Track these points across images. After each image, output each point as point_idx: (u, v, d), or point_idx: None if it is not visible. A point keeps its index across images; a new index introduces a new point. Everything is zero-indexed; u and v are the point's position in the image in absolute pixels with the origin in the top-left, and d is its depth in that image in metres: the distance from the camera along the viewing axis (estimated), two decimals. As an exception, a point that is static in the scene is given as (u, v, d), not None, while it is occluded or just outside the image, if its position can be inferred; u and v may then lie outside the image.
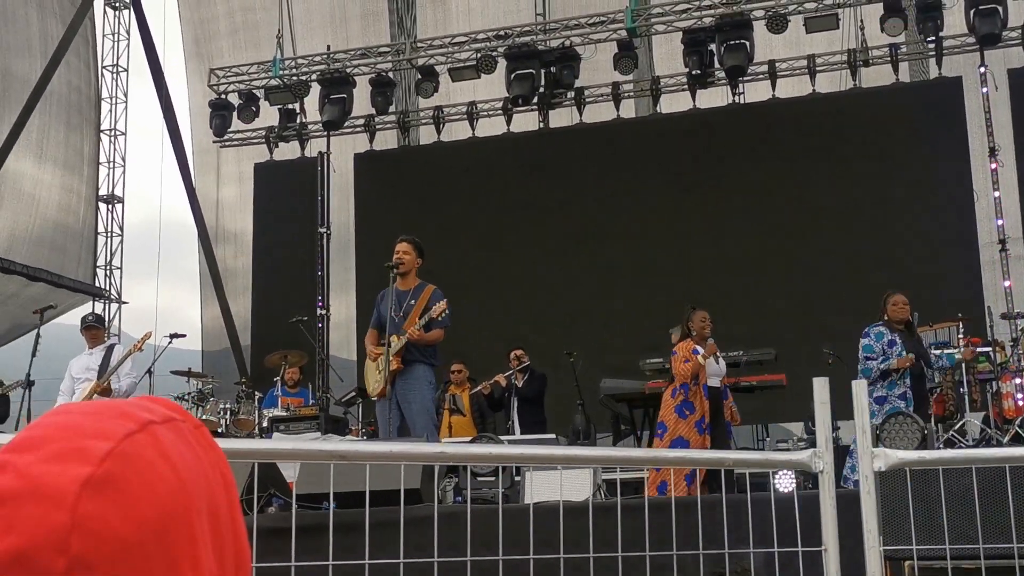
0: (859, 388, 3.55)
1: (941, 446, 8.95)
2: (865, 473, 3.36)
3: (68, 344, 10.16)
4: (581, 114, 15.57)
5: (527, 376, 11.72)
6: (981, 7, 13.23)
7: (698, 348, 8.90)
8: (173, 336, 10.97)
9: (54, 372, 9.99)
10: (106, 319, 17.69)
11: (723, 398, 9.11)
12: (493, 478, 7.27)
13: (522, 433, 11.07)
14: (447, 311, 8.21)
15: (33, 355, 10.22)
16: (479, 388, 11.62)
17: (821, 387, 3.39)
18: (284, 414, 11.19)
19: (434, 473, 6.48)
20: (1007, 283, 13.23)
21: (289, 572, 2.96)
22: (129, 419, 0.82)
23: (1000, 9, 13.21)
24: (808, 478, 6.36)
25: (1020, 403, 10.04)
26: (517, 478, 7.54)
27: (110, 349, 9.86)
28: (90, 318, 10.29)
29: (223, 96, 16.07)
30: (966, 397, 9.74)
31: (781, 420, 14.61)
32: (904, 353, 8.39)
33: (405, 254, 8.42)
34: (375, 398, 8.50)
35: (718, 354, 9.06)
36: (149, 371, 11.03)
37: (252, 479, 5.23)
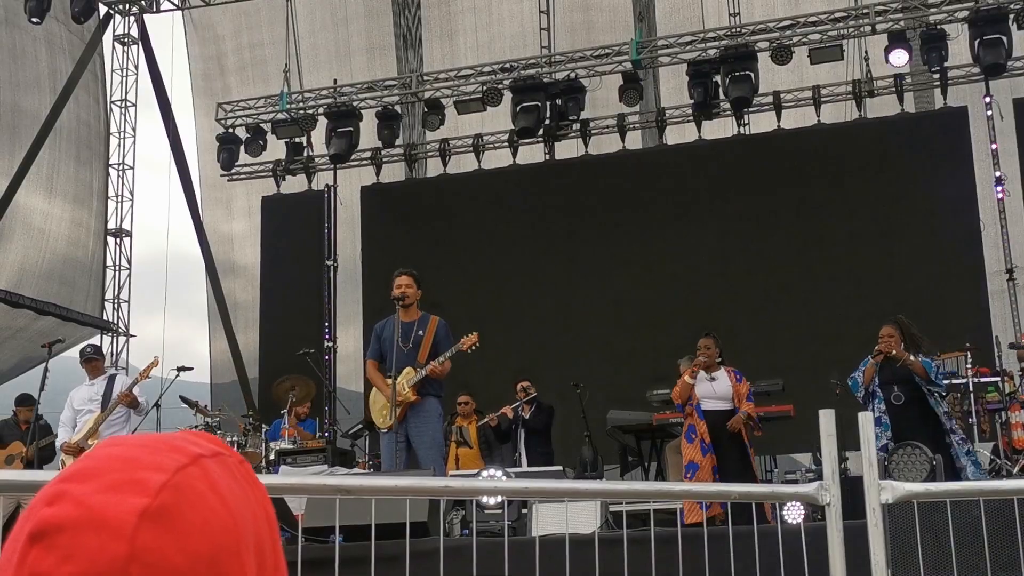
0: (865, 420, 3.55)
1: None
2: (872, 506, 3.36)
3: (76, 378, 10.15)
4: (587, 146, 15.62)
5: (534, 408, 11.70)
6: (986, 37, 13.26)
7: (702, 373, 8.96)
8: (181, 369, 10.97)
9: (62, 406, 9.98)
10: (114, 353, 17.73)
11: None
12: (500, 511, 7.25)
13: (529, 465, 11.04)
14: (477, 344, 8.21)
15: (41, 389, 10.22)
16: (486, 420, 11.60)
17: (827, 419, 3.39)
18: (291, 447, 11.18)
19: (439, 507, 6.47)
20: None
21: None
22: (180, 452, 0.85)
23: (1005, 39, 13.23)
24: (817, 509, 6.33)
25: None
26: (524, 511, 7.53)
27: (111, 379, 9.83)
28: (89, 350, 10.23)
29: (230, 130, 16.15)
30: (975, 427, 9.71)
31: (789, 451, 14.56)
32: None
33: (408, 287, 8.43)
34: (384, 430, 8.48)
35: (712, 376, 9.01)
36: (157, 404, 11.02)
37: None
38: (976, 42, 13.36)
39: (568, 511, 6.40)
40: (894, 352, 8.47)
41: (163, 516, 0.80)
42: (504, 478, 6.95)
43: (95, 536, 0.78)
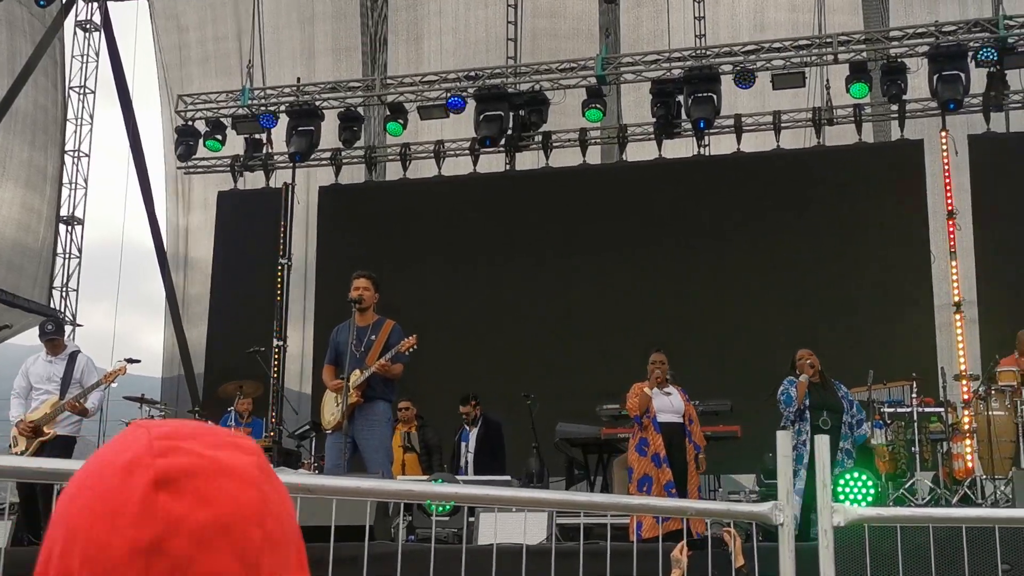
0: (821, 443, 3.59)
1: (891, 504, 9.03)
2: (824, 527, 3.39)
3: (21, 365, 9.87)
4: (548, 158, 15.65)
5: (481, 424, 11.64)
6: (945, 73, 13.47)
7: (656, 388, 9.02)
8: (128, 361, 10.81)
9: (8, 393, 9.67)
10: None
11: (684, 436, 9.08)
12: (448, 518, 7.25)
13: (476, 473, 11.04)
14: (415, 346, 8.21)
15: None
16: None
17: (784, 440, 3.43)
18: (236, 445, 11.08)
19: (388, 511, 6.46)
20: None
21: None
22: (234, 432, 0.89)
23: (963, 76, 13.46)
24: (758, 531, 6.36)
25: (970, 464, 10.16)
26: (471, 519, 7.52)
27: (72, 357, 9.40)
28: (49, 328, 9.61)
29: (190, 123, 16.01)
30: (917, 456, 9.82)
31: (734, 472, 14.65)
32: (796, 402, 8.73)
33: (365, 290, 8.42)
34: (329, 431, 8.45)
35: (666, 390, 9.09)
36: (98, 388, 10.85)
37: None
38: (935, 77, 13.58)
39: (516, 521, 6.41)
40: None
41: (269, 475, 0.84)
42: (462, 486, 6.95)
43: (229, 482, 0.80)
